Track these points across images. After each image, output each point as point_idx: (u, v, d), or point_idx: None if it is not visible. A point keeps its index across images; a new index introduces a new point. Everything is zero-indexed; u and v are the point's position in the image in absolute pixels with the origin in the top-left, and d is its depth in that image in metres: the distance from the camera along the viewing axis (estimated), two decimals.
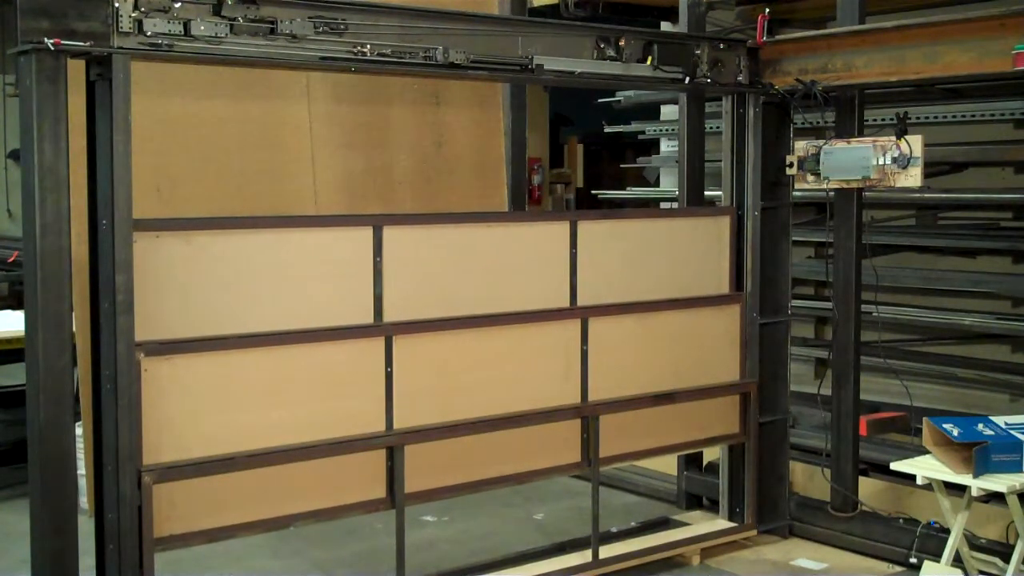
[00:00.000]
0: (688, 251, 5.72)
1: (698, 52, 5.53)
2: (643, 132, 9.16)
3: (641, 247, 5.56)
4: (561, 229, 5.31)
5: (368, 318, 4.73)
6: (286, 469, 4.52)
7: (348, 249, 4.68)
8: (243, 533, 4.50)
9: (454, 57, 4.71)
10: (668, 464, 6.57)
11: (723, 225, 5.83)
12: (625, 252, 5.49)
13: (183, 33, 4.11)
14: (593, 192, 10.82)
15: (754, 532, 5.95)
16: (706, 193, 6.35)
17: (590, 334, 5.33)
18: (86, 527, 4.17)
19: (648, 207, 9.27)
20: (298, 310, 4.55)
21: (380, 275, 4.74)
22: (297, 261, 4.55)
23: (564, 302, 5.29)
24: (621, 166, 12.03)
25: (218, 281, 4.34)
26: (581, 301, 5.33)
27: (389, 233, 4.76)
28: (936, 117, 6.98)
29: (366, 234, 4.72)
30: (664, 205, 9.42)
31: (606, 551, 5.48)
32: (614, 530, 5.83)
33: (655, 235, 5.63)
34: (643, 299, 5.53)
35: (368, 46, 4.50)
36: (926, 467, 4.99)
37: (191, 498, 4.31)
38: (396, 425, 4.78)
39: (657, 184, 9.98)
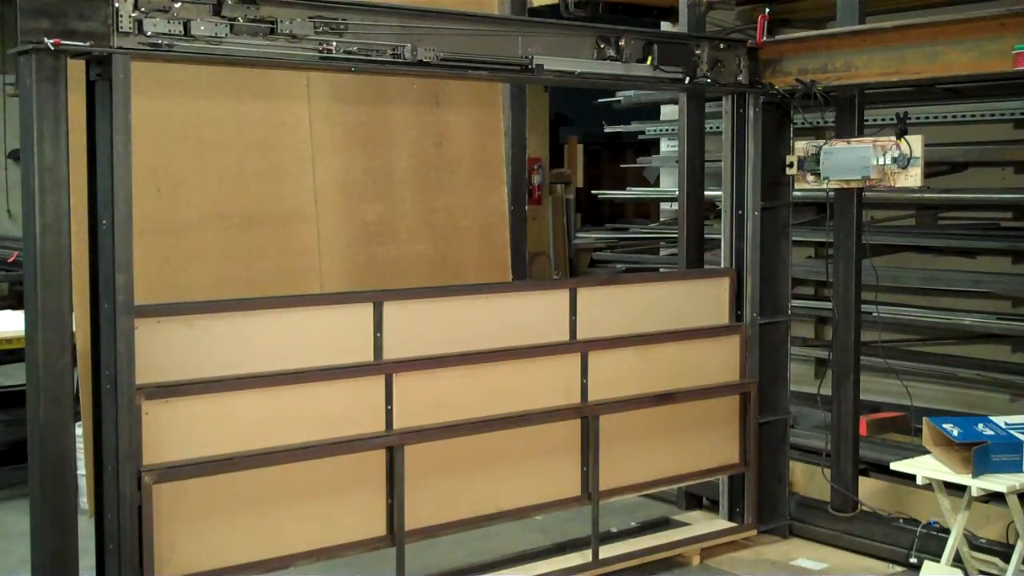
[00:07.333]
0: (688, 314, 5.72)
1: (698, 52, 5.53)
2: (643, 132, 9.17)
3: (641, 311, 5.56)
4: (560, 297, 5.31)
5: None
6: (286, 500, 4.53)
7: (349, 325, 4.69)
8: (244, 573, 4.46)
9: (422, 55, 4.68)
10: None
11: (723, 286, 5.83)
12: (624, 317, 5.50)
13: (183, 33, 4.10)
14: (593, 192, 10.83)
15: (754, 532, 5.95)
16: (706, 193, 6.35)
17: (590, 368, 5.33)
18: (86, 527, 4.16)
19: (649, 204, 9.26)
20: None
21: (381, 351, 4.75)
22: (301, 340, 4.56)
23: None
24: (621, 166, 12.05)
25: (219, 361, 4.35)
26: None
27: (389, 308, 4.77)
28: (936, 117, 6.98)
29: (366, 310, 4.73)
30: (664, 205, 9.44)
31: (606, 551, 5.48)
32: (614, 530, 5.82)
33: (655, 299, 5.63)
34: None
35: (335, 44, 4.47)
36: (926, 467, 4.99)
37: (192, 536, 4.30)
38: (395, 436, 4.80)
39: (657, 184, 9.99)
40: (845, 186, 5.61)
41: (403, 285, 6.10)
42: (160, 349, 4.19)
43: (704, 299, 5.80)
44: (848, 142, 5.53)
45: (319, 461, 4.60)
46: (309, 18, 4.38)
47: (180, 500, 4.26)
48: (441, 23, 4.77)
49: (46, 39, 3.79)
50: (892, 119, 5.45)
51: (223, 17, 4.18)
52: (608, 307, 5.45)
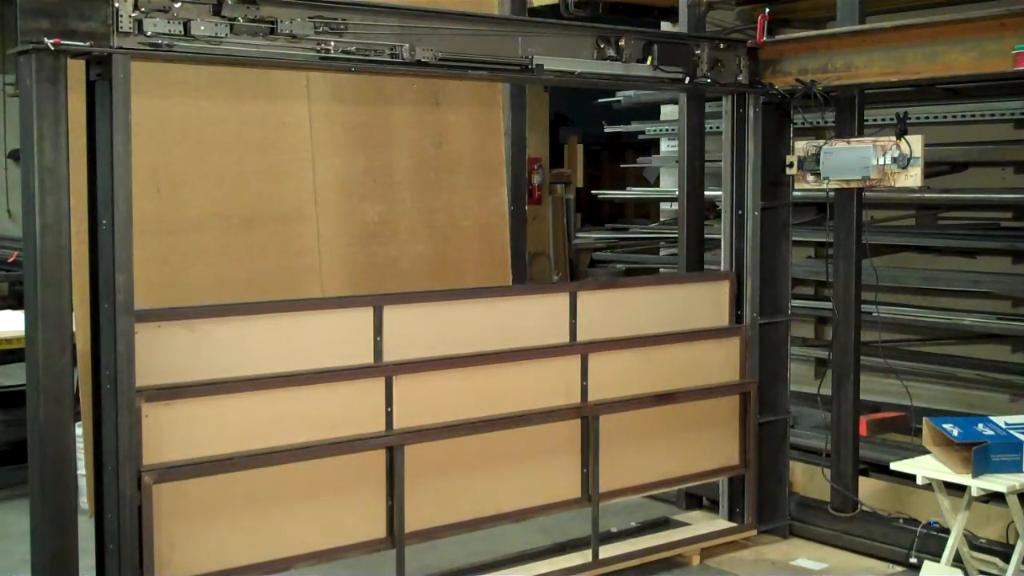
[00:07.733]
0: (687, 317, 5.72)
1: (698, 52, 5.53)
2: (643, 132, 9.17)
3: (641, 314, 5.56)
4: (560, 301, 5.31)
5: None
6: (286, 501, 4.53)
7: (350, 329, 4.69)
8: (244, 574, 4.45)
9: (421, 55, 4.67)
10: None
11: (722, 290, 5.83)
12: (624, 320, 5.50)
13: (183, 33, 4.10)
14: (593, 192, 10.83)
15: (754, 532, 5.95)
16: (706, 193, 6.35)
17: (590, 369, 5.34)
18: (86, 527, 4.16)
19: (649, 204, 9.25)
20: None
21: (381, 355, 4.75)
22: (301, 344, 4.56)
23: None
24: (621, 166, 12.05)
25: (219, 365, 4.35)
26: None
27: (389, 312, 4.77)
28: (936, 117, 6.98)
29: (366, 314, 4.73)
30: (664, 205, 9.44)
31: (606, 551, 5.48)
32: (614, 530, 5.82)
33: (655, 302, 5.64)
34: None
35: (334, 44, 4.46)
36: (926, 467, 4.99)
37: (192, 537, 4.30)
38: (395, 436, 4.80)
39: (657, 184, 9.99)
40: (845, 186, 5.61)
41: (403, 285, 6.10)
42: (161, 353, 4.19)
43: (704, 302, 5.79)
44: (848, 142, 5.53)
45: (319, 461, 4.59)
46: (309, 18, 4.38)
47: (180, 500, 4.26)
48: (441, 23, 4.77)
49: (46, 39, 3.79)
50: (892, 119, 5.45)
51: (223, 17, 4.18)
52: (608, 311, 5.45)
